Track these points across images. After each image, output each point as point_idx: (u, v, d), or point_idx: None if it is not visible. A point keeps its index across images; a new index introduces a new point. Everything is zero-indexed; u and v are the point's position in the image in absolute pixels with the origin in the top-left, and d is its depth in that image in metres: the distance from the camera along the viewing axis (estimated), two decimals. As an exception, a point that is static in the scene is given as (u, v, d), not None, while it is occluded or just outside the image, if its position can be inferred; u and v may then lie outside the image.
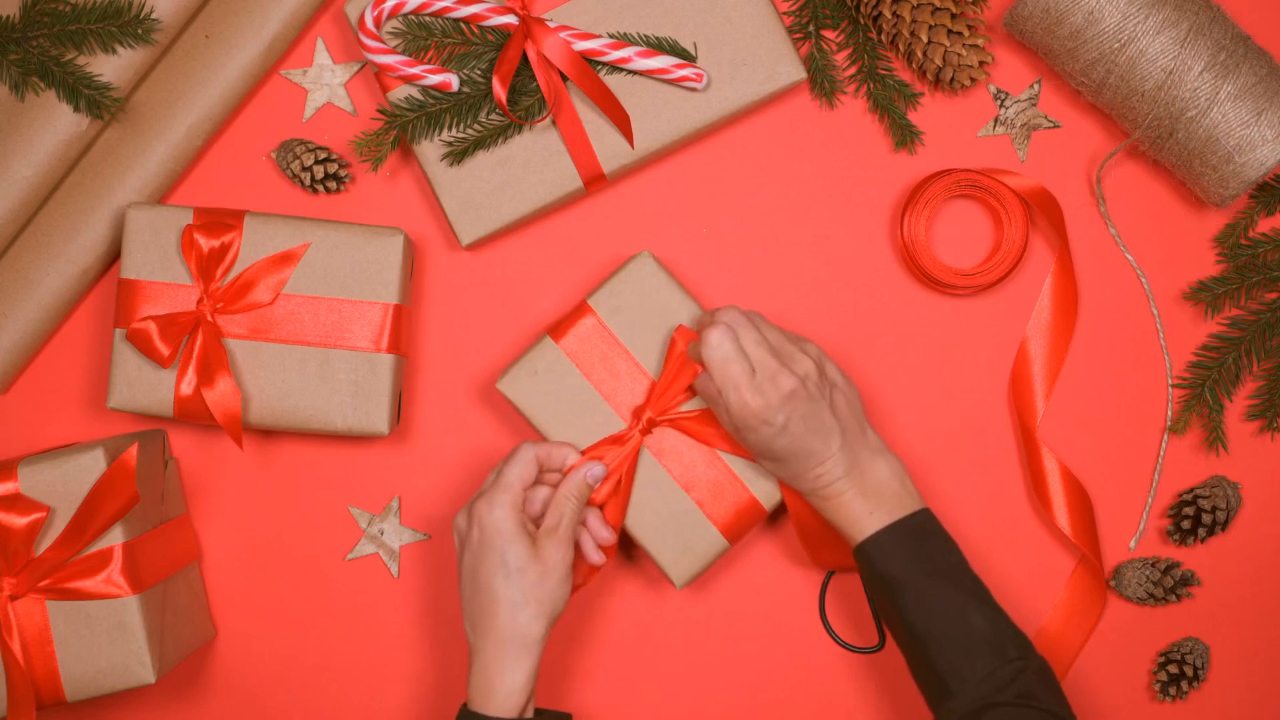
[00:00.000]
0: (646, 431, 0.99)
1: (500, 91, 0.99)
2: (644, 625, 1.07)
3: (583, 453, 0.98)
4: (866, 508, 0.94)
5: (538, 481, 0.97)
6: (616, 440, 0.99)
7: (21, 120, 1.01)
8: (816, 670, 1.07)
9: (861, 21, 1.04)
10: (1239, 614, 1.07)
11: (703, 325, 0.95)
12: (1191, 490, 1.06)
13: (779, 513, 1.07)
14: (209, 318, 1.00)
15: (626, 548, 1.07)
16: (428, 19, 1.01)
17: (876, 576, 0.94)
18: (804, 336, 1.00)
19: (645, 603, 1.07)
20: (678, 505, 1.00)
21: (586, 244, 1.08)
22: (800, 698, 1.07)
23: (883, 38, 1.04)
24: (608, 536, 0.98)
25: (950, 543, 0.95)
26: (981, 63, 1.02)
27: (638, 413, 1.00)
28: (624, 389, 1.00)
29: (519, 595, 0.92)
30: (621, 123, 1.01)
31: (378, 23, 1.00)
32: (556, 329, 1.01)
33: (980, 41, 1.02)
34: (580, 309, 1.01)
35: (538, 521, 0.96)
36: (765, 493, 1.00)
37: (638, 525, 1.00)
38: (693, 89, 1.02)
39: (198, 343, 1.00)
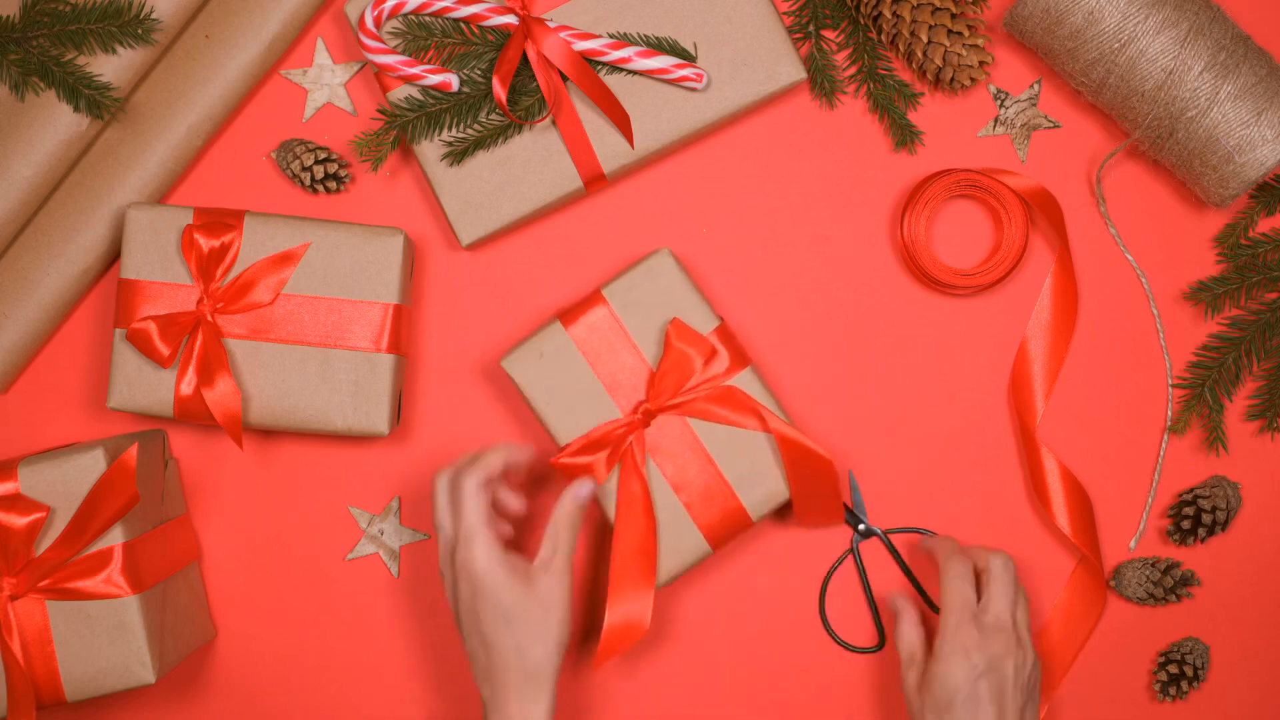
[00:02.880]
0: (644, 424, 1.00)
1: (500, 91, 0.99)
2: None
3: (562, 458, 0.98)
4: None
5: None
6: (606, 440, 0.99)
7: (21, 120, 1.01)
8: (816, 670, 1.07)
9: (861, 21, 1.04)
10: (1239, 614, 1.07)
11: (977, 555, 0.99)
12: (1191, 490, 1.06)
13: (766, 522, 1.07)
14: (209, 318, 1.00)
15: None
16: (428, 19, 1.01)
17: None
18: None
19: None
20: (666, 505, 1.00)
21: (587, 244, 1.08)
22: (800, 698, 1.07)
23: (883, 38, 1.04)
24: (517, 508, 0.98)
25: None
26: (981, 63, 1.03)
27: (637, 406, 1.00)
28: (626, 382, 1.00)
29: (524, 638, 0.92)
30: (621, 123, 1.01)
31: (378, 23, 1.00)
32: (567, 315, 1.01)
33: (980, 41, 1.02)
34: (594, 298, 1.01)
35: (515, 522, 0.96)
36: (754, 502, 1.00)
37: None
38: (693, 89, 1.02)
39: (198, 343, 1.00)
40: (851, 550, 1.06)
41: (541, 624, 0.92)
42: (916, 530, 1.06)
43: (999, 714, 0.94)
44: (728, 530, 1.01)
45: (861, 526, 1.06)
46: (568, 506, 0.96)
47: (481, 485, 0.94)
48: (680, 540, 1.00)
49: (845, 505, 1.06)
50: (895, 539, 1.06)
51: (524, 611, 0.92)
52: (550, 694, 0.92)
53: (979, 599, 0.98)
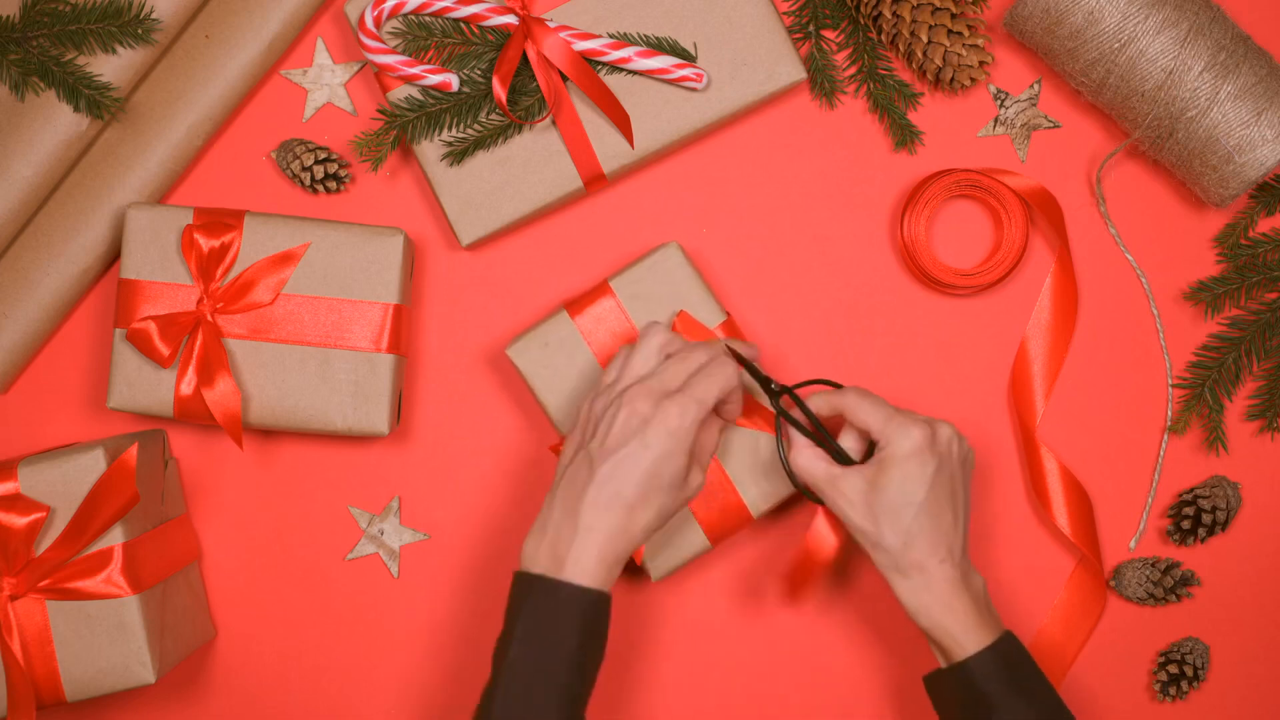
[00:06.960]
0: None
1: (500, 91, 0.99)
2: (638, 623, 1.07)
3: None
4: (976, 621, 0.91)
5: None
6: None
7: (21, 120, 1.01)
8: (814, 667, 1.07)
9: (861, 21, 1.04)
10: (1239, 614, 1.07)
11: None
12: (1191, 490, 1.06)
13: (765, 519, 1.07)
14: (209, 318, 1.00)
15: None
16: (428, 19, 1.01)
17: (973, 694, 0.90)
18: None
19: (641, 599, 1.07)
20: None
21: (587, 244, 1.08)
22: (798, 695, 1.07)
23: (883, 38, 1.04)
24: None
25: (1035, 666, 0.93)
26: (981, 63, 1.03)
27: None
28: None
29: (647, 502, 0.89)
30: (621, 123, 1.01)
31: (378, 23, 1.00)
32: (574, 305, 1.01)
33: (980, 41, 1.02)
34: (601, 289, 1.01)
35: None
36: (754, 499, 1.00)
37: None
38: (693, 89, 1.02)
39: (198, 343, 1.00)
40: (779, 412, 0.98)
41: (677, 499, 0.90)
42: (821, 381, 0.99)
43: (954, 511, 0.92)
44: (728, 526, 1.01)
45: (774, 386, 0.98)
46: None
47: (740, 386, 0.94)
48: (680, 536, 1.00)
49: (755, 370, 0.98)
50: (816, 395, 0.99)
51: (675, 484, 0.90)
52: (616, 554, 0.89)
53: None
